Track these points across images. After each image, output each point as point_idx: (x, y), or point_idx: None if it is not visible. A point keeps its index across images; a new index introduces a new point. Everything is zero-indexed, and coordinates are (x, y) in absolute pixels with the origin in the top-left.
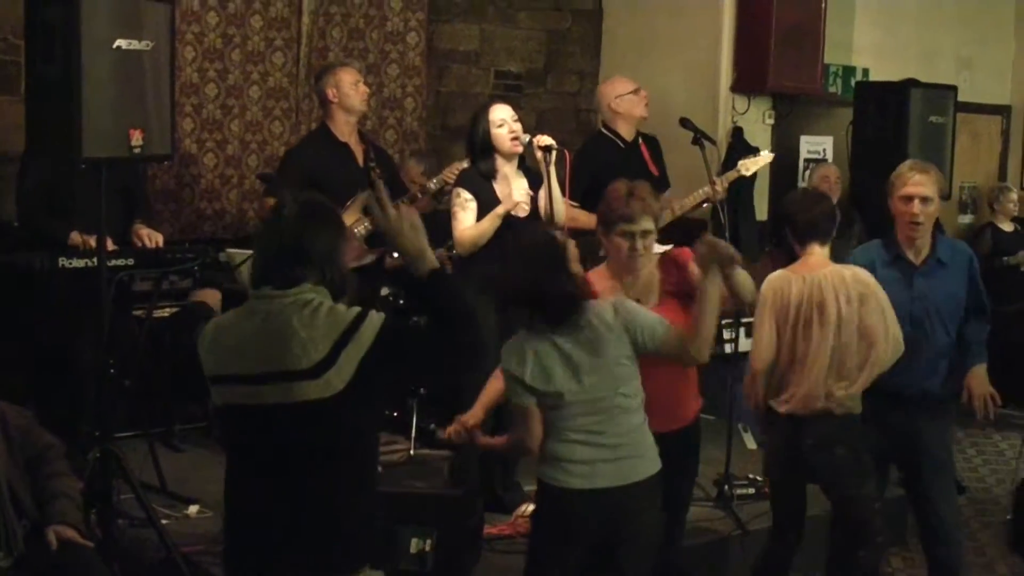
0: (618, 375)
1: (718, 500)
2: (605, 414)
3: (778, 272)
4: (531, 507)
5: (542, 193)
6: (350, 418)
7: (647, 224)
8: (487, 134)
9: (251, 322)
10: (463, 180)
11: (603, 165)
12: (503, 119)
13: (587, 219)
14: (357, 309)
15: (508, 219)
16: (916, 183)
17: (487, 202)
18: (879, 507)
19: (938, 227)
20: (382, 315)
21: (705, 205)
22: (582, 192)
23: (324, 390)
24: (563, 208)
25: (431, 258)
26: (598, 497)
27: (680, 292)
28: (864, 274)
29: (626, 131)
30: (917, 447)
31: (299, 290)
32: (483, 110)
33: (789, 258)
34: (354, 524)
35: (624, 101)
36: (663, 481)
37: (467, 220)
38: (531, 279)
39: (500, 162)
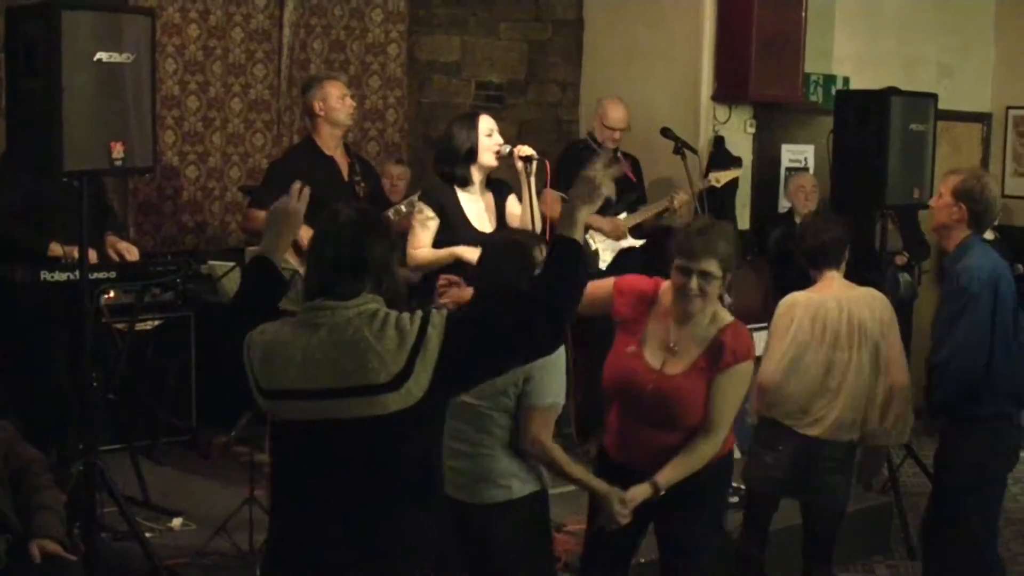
0: (500, 389)
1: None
2: (473, 424)
3: (804, 293)
4: None
5: (511, 202)
6: (427, 425)
7: (708, 266)
8: (475, 142)
9: (314, 335)
10: (428, 193)
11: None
12: (492, 129)
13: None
14: (420, 314)
15: (479, 235)
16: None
17: (452, 214)
18: None
19: None
20: (443, 313)
21: (667, 214)
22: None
23: (406, 400)
24: (539, 219)
25: (578, 230)
26: (451, 505)
27: (709, 379)
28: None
29: (607, 141)
30: None
31: (361, 300)
32: (471, 118)
33: (772, 269)
34: (424, 535)
35: (600, 128)
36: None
37: (423, 239)
38: (496, 279)
39: (477, 173)
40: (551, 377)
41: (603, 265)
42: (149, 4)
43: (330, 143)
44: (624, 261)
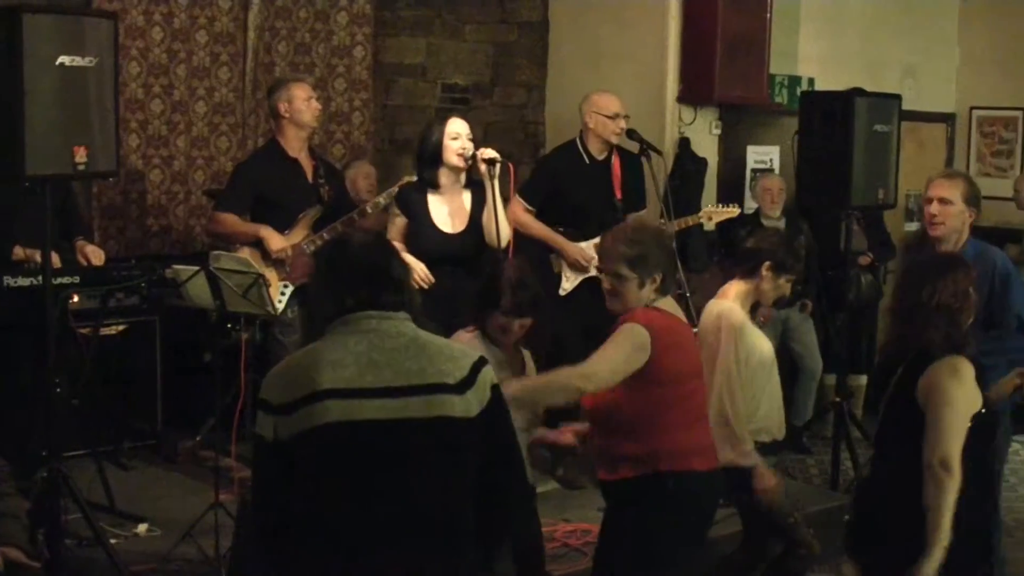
0: None
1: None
2: None
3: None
4: None
5: (487, 207)
6: (478, 443)
7: (617, 268)
8: (439, 144)
9: (362, 340)
10: (400, 195)
11: (562, 177)
12: (459, 132)
13: (539, 228)
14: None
15: (442, 235)
16: (936, 186)
17: (419, 217)
18: None
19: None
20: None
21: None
22: (541, 199)
23: (466, 410)
24: (506, 222)
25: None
26: None
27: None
28: (725, 317)
29: (595, 148)
30: None
31: (403, 315)
32: (440, 121)
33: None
34: (471, 545)
35: (597, 119)
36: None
37: (392, 236)
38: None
39: (445, 175)
40: None
41: (562, 292)
42: (112, 7)
43: (295, 145)
44: (584, 294)
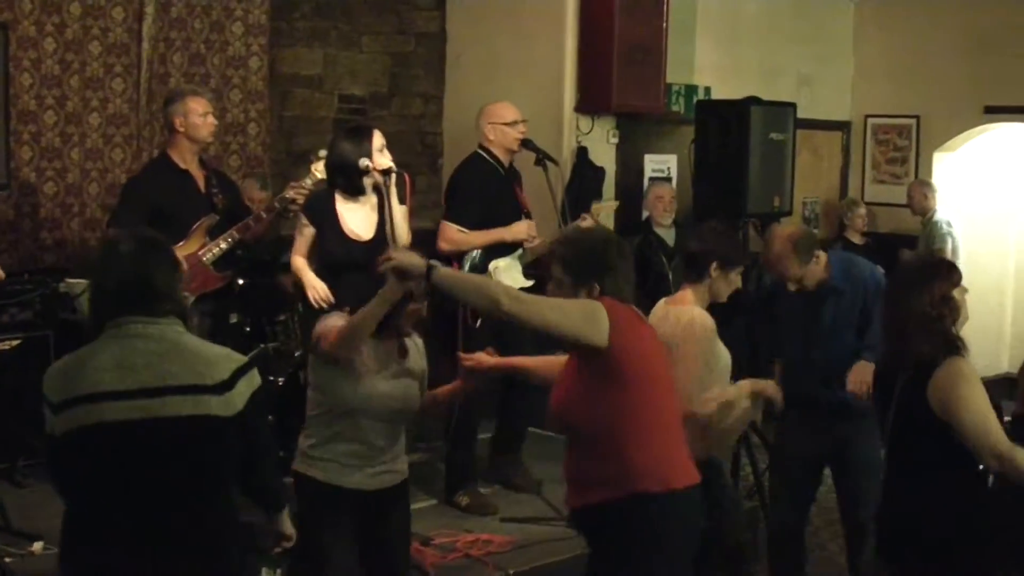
0: None
1: (570, 520)
2: None
3: (659, 303)
4: None
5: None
6: (237, 442)
7: (555, 271)
8: (369, 157)
9: (127, 344)
10: (309, 205)
11: (486, 190)
12: (383, 145)
13: (476, 237)
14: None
15: (355, 244)
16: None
17: (330, 227)
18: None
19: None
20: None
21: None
22: (475, 218)
23: (226, 409)
24: (405, 230)
25: None
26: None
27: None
28: (698, 322)
29: (503, 158)
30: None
31: (168, 321)
32: (366, 133)
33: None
34: (233, 549)
35: (497, 129)
36: None
37: (300, 247)
38: None
39: (368, 184)
40: None
41: None
42: (3, 18)
43: (186, 157)
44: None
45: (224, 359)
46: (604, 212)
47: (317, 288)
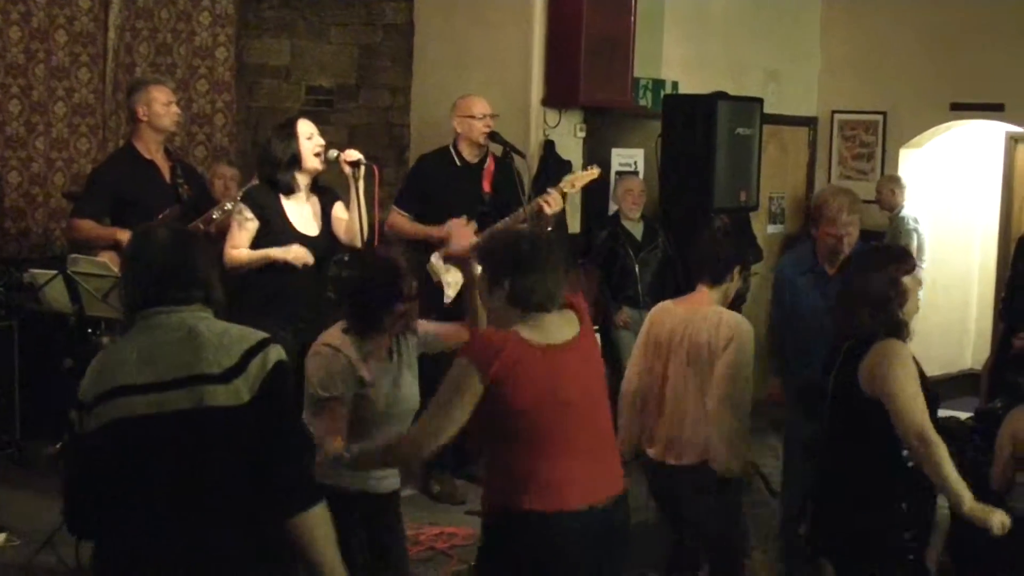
0: None
1: None
2: None
3: (663, 303)
4: None
5: (338, 208)
6: (251, 428)
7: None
8: (297, 148)
9: (149, 336)
10: (250, 197)
11: (431, 180)
12: (311, 132)
13: (412, 228)
14: (263, 333)
15: (303, 238)
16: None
17: (274, 220)
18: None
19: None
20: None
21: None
22: (417, 204)
23: (234, 398)
24: (367, 224)
25: None
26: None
27: None
28: (736, 322)
29: (468, 152)
30: None
31: (194, 307)
32: (290, 124)
33: (600, 272)
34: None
35: (463, 122)
36: None
37: (241, 240)
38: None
39: (301, 178)
40: None
41: (446, 300)
42: None
43: (151, 147)
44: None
45: (236, 340)
46: (580, 181)
47: (294, 251)
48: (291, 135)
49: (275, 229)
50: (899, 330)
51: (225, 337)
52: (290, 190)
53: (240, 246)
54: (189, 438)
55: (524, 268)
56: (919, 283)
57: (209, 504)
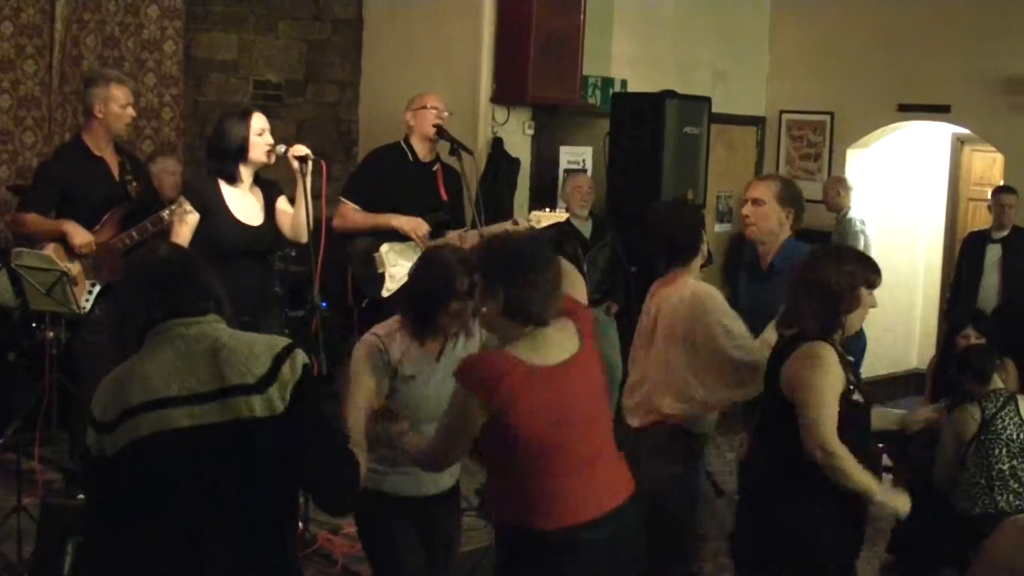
0: None
1: (479, 510)
2: None
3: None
4: None
5: (282, 202)
6: (291, 437)
7: None
8: (245, 140)
9: (168, 349)
10: (190, 187)
11: (385, 174)
12: (263, 128)
13: (365, 218)
14: (287, 339)
15: (245, 228)
16: (750, 188)
17: (217, 211)
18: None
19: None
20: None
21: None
22: (366, 196)
23: (270, 408)
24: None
25: None
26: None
27: None
28: (703, 293)
29: (420, 147)
30: None
31: (211, 318)
32: (243, 116)
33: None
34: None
35: (414, 114)
36: None
37: (183, 234)
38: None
39: (245, 170)
40: None
41: (386, 293)
42: None
43: (101, 143)
44: None
45: (265, 348)
46: (547, 220)
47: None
48: (244, 125)
49: (215, 219)
50: (829, 334)
51: (254, 345)
52: (232, 179)
53: (179, 239)
54: (227, 450)
55: (521, 277)
56: (873, 304)
57: (240, 517)
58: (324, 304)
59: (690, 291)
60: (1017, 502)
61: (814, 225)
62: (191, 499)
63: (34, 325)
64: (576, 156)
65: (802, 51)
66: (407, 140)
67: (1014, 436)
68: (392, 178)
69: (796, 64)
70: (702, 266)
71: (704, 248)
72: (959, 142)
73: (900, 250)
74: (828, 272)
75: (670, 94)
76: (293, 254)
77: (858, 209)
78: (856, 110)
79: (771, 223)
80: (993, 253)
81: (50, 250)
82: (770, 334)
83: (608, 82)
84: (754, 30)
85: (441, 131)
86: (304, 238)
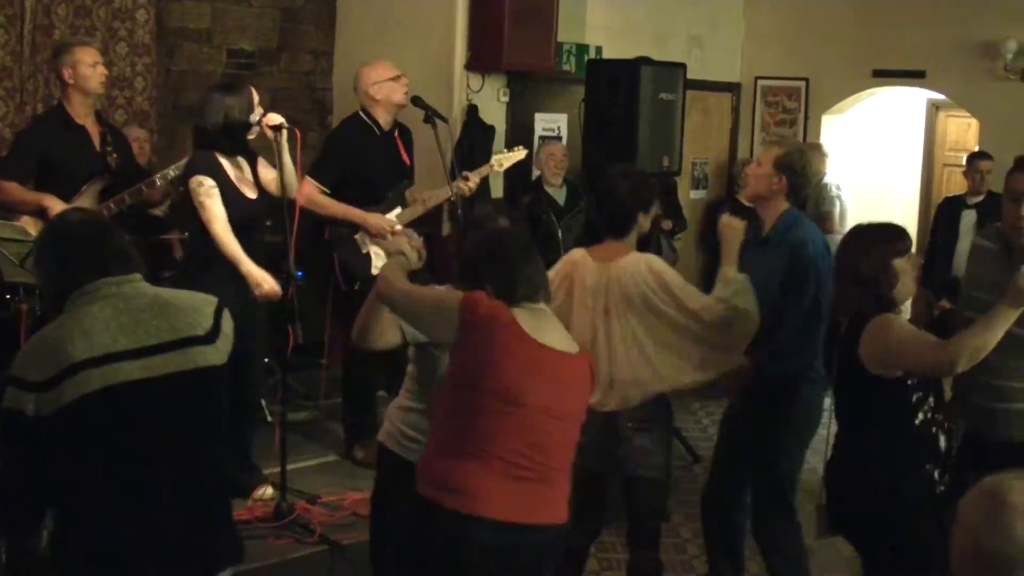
0: None
1: None
2: None
3: (580, 251)
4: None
5: (263, 167)
6: (229, 385)
7: None
8: (250, 112)
9: (106, 306)
10: (201, 166)
11: (357, 151)
12: (259, 100)
13: (335, 207)
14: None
15: (249, 202)
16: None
17: (226, 186)
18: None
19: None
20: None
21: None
22: (335, 177)
23: (218, 357)
24: (295, 185)
25: None
26: None
27: None
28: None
29: (383, 118)
30: None
31: (137, 277)
32: (244, 90)
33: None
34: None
35: (383, 87)
36: None
37: (218, 210)
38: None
39: (247, 143)
40: None
41: (375, 271)
42: None
43: (81, 111)
44: None
45: (204, 303)
46: (507, 162)
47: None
48: (248, 99)
49: (228, 194)
50: (890, 308)
51: (194, 300)
52: (235, 153)
53: (219, 216)
54: (182, 401)
55: (505, 269)
56: (915, 265)
57: (185, 475)
58: (300, 274)
59: (645, 263)
60: None
61: None
62: (139, 455)
63: (8, 297)
64: (551, 123)
65: (777, 17)
66: (367, 112)
67: None
68: (362, 154)
69: (771, 30)
70: (674, 232)
71: (654, 212)
72: (934, 108)
73: (875, 216)
74: (857, 259)
75: (645, 61)
76: (268, 223)
77: (833, 175)
78: (831, 76)
79: (760, 187)
80: (968, 218)
81: (25, 221)
82: (720, 289)
83: (583, 49)
84: None
85: (416, 100)
86: (294, 192)
